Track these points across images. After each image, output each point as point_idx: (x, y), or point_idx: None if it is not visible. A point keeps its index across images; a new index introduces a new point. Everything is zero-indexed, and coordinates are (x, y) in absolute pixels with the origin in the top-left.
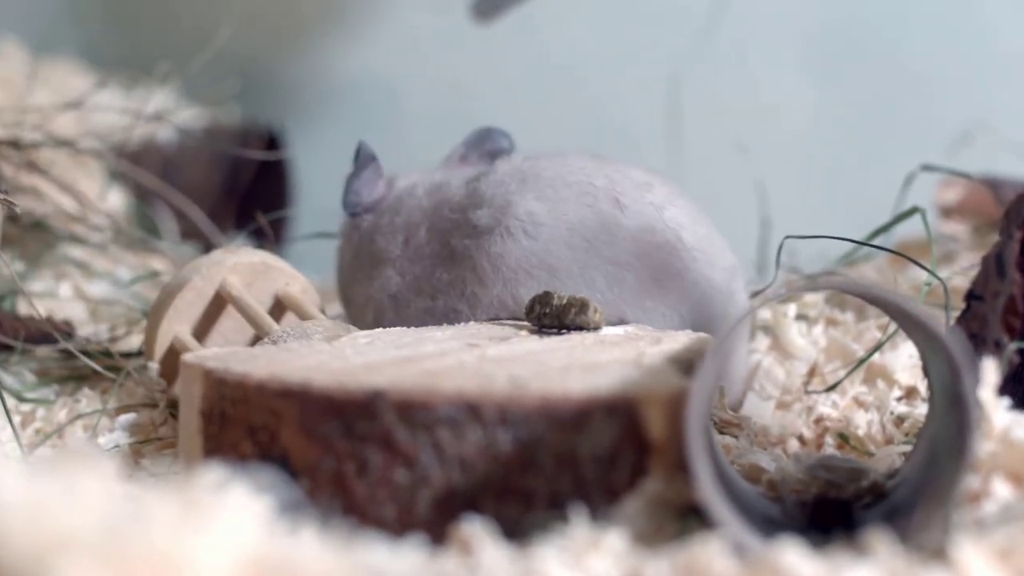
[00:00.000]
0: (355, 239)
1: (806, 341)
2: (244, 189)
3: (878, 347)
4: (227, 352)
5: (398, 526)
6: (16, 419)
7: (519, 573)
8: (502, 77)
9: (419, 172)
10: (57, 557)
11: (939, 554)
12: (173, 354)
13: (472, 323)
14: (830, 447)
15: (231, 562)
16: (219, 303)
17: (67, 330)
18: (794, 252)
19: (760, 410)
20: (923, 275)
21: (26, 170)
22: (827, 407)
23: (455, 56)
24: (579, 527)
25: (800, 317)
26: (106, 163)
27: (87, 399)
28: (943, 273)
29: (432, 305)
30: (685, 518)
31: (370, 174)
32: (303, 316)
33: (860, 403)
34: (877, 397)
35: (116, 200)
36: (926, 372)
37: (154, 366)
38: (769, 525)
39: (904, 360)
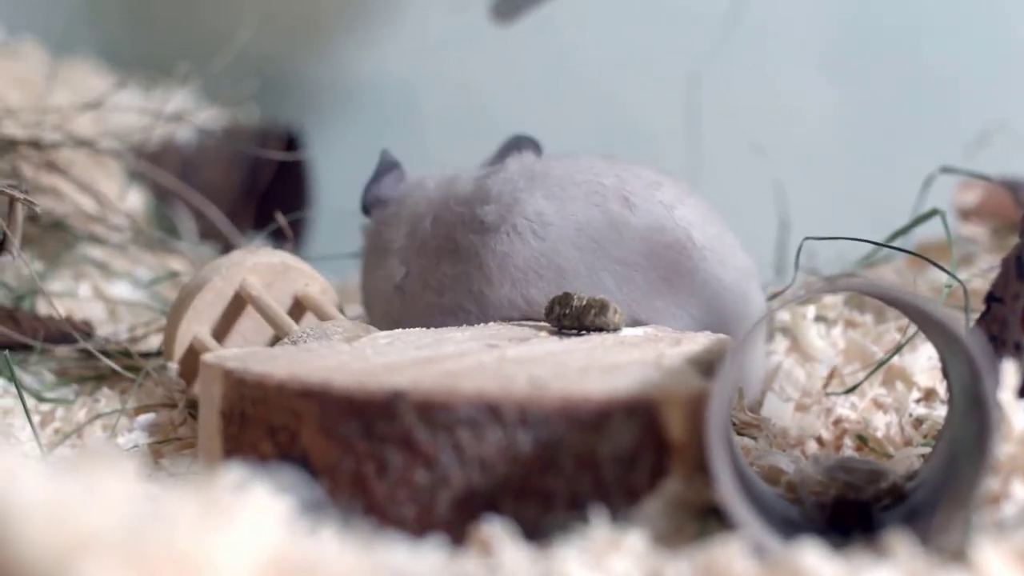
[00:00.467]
0: (369, 234)
1: (825, 343)
2: (263, 189)
3: (897, 349)
4: (247, 352)
5: (418, 526)
6: (36, 419)
7: (539, 574)
8: (520, 78)
9: (440, 173)
10: (78, 557)
11: (959, 556)
12: (192, 354)
13: (492, 324)
14: (849, 449)
15: (252, 562)
16: (239, 303)
17: (86, 330)
18: (813, 253)
19: (779, 412)
20: (942, 277)
21: (46, 170)
22: (846, 409)
23: (473, 57)
24: (599, 528)
25: (819, 319)
26: (125, 163)
27: (106, 399)
28: (962, 275)
29: (439, 301)
30: (705, 519)
31: (391, 179)
32: (322, 316)
33: (879, 405)
34: (896, 399)
35: (135, 200)
36: (946, 374)
37: (173, 366)
38: (788, 527)
39: (923, 362)
